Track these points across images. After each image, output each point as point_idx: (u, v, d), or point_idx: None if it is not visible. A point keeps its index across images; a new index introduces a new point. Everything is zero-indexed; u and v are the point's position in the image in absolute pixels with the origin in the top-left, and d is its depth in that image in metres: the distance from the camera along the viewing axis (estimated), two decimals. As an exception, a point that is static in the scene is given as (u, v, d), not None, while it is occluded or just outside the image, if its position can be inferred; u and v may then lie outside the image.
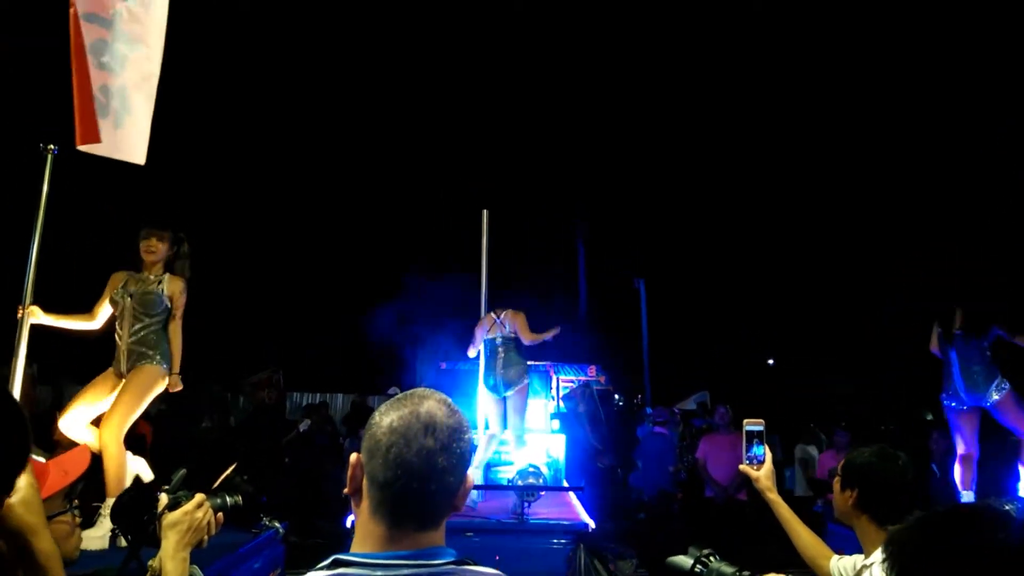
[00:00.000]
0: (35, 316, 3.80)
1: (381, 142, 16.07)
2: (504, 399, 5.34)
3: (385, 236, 17.08)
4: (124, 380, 3.88)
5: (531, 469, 5.03)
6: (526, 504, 4.52)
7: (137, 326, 3.92)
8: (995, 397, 4.99)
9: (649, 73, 15.43)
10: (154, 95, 3.08)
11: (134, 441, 4.53)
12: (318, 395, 15.76)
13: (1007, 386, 5.03)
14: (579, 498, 5.28)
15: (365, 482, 1.15)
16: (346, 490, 1.18)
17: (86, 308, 4.09)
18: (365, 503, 1.15)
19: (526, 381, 5.29)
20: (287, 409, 14.72)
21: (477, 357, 5.57)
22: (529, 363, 5.36)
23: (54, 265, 4.02)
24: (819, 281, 17.37)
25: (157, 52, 3.06)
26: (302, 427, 8.97)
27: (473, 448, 1.19)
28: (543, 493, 4.89)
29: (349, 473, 1.17)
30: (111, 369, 3.96)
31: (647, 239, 18.14)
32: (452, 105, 15.46)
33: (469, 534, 4.33)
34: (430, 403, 1.17)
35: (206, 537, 1.83)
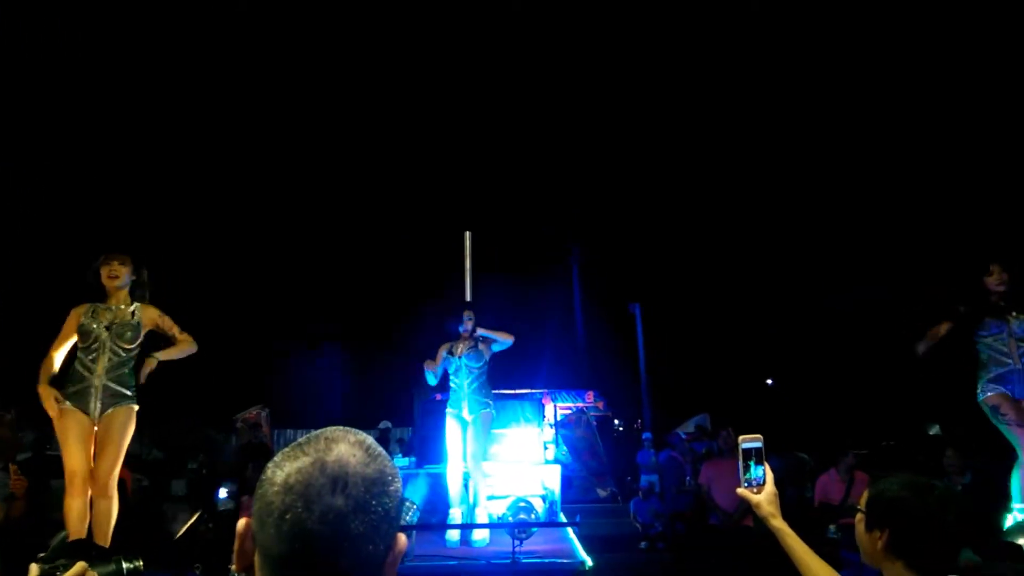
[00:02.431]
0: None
1: (366, 168, 15.89)
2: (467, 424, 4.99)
3: (374, 265, 16.82)
4: (100, 426, 3.66)
5: (522, 504, 4.71)
6: (518, 542, 4.20)
7: (115, 360, 3.73)
8: None
9: (642, 95, 15.34)
10: None
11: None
12: (310, 432, 15.35)
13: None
14: (575, 533, 4.94)
15: (257, 558, 0.87)
16: (234, 566, 0.90)
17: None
18: None
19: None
20: (277, 448, 14.30)
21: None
22: (520, 391, 5.08)
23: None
24: (816, 297, 17.12)
25: None
26: None
27: (402, 501, 0.91)
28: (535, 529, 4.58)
29: (236, 545, 0.89)
30: (71, 409, 3.62)
31: (641, 262, 17.90)
32: (438, 126, 15.29)
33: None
34: (341, 448, 0.89)
35: None
